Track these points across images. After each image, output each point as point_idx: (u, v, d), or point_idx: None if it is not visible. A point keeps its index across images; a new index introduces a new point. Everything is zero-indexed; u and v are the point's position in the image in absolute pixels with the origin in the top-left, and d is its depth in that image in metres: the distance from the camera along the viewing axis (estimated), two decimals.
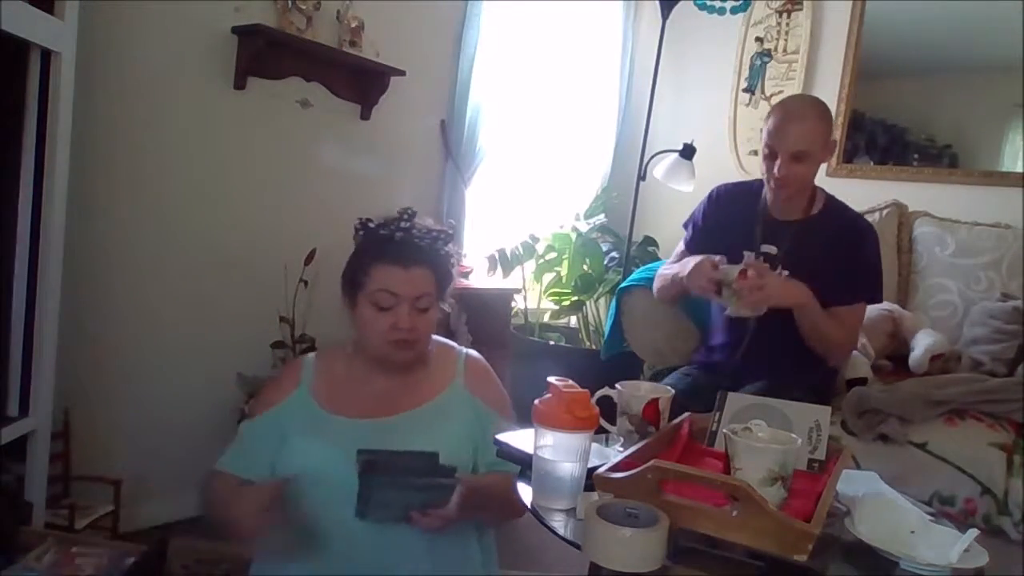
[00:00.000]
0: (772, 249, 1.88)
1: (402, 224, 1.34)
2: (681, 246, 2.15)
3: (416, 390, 1.38)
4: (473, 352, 1.47)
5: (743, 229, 1.96)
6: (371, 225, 1.35)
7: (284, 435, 1.32)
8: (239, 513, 1.17)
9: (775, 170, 1.85)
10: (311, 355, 1.44)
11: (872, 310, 2.63)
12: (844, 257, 1.89)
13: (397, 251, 1.32)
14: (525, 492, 1.14)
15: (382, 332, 1.30)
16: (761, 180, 1.98)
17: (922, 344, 2.39)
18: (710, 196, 2.11)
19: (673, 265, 2.09)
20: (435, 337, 1.44)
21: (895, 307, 2.64)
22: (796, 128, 1.83)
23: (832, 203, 1.98)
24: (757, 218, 1.97)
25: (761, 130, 1.93)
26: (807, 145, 1.82)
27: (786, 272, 1.80)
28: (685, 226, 2.16)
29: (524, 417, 1.34)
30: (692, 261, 1.86)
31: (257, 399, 1.44)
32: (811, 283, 1.81)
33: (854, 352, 2.20)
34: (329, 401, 1.35)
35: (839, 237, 1.91)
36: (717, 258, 1.80)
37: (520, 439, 1.23)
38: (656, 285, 2.17)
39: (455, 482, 1.15)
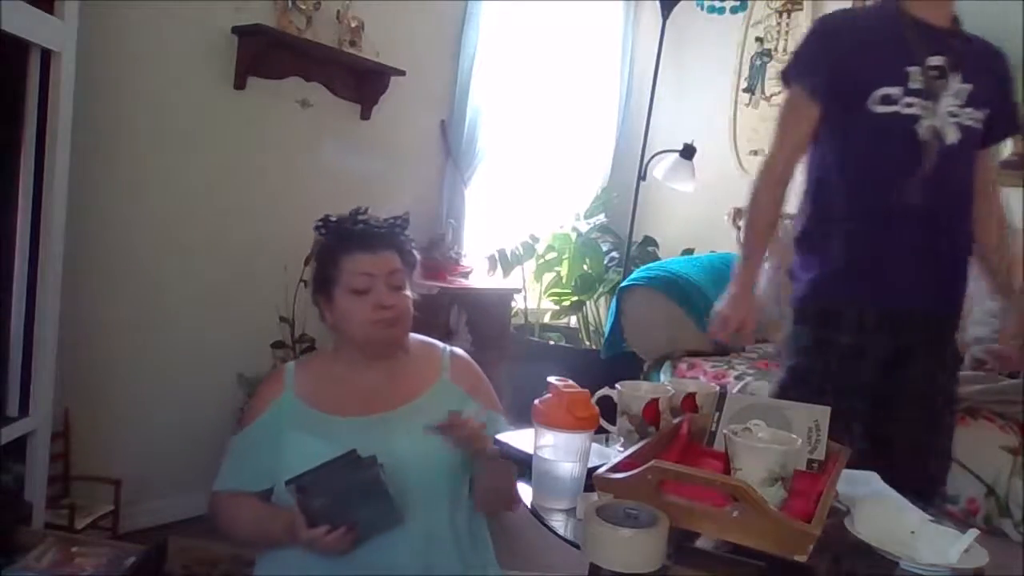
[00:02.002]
0: (939, 60, 1.49)
1: (359, 217, 1.39)
2: (797, 98, 1.57)
3: (403, 386, 1.39)
4: (457, 349, 1.49)
5: (892, 46, 1.50)
6: (332, 220, 1.40)
7: (277, 440, 1.32)
8: (276, 536, 1.25)
9: None
10: (291, 363, 1.45)
11: None
12: (1004, 76, 1.57)
13: (361, 238, 1.36)
14: (525, 492, 1.14)
15: (365, 315, 1.32)
16: None
17: None
18: (817, 33, 1.59)
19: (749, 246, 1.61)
20: (417, 336, 1.46)
21: None
22: None
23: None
24: (905, 27, 1.50)
25: None
26: None
27: (968, 86, 1.48)
28: (792, 75, 1.59)
29: (524, 417, 1.35)
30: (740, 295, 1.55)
31: (245, 412, 1.45)
32: (988, 108, 1.52)
33: None
34: (317, 401, 1.36)
35: (993, 50, 1.58)
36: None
37: (520, 439, 1.23)
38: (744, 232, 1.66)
39: (377, 466, 1.19)
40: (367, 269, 1.33)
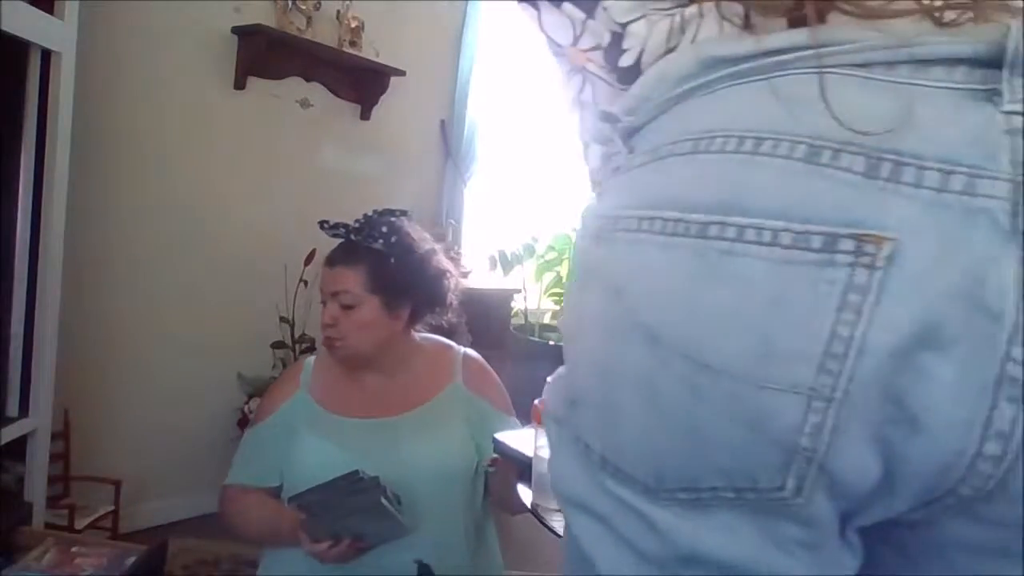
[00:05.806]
0: None
1: (352, 225, 1.32)
2: None
3: (415, 389, 1.38)
4: (471, 351, 1.47)
5: None
6: (326, 226, 1.36)
7: (290, 438, 1.32)
8: (283, 536, 1.24)
9: None
10: (311, 357, 1.44)
11: None
12: None
13: (331, 253, 1.35)
14: (525, 493, 1.14)
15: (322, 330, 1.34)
16: None
17: None
18: None
19: None
20: (432, 336, 1.44)
21: None
22: None
23: None
24: None
25: None
26: None
27: None
28: None
29: (524, 417, 1.34)
30: None
31: (260, 405, 1.44)
32: None
33: None
34: (329, 402, 1.35)
35: None
36: None
37: (519, 440, 1.23)
38: None
39: (379, 488, 1.16)
40: (321, 286, 1.34)
